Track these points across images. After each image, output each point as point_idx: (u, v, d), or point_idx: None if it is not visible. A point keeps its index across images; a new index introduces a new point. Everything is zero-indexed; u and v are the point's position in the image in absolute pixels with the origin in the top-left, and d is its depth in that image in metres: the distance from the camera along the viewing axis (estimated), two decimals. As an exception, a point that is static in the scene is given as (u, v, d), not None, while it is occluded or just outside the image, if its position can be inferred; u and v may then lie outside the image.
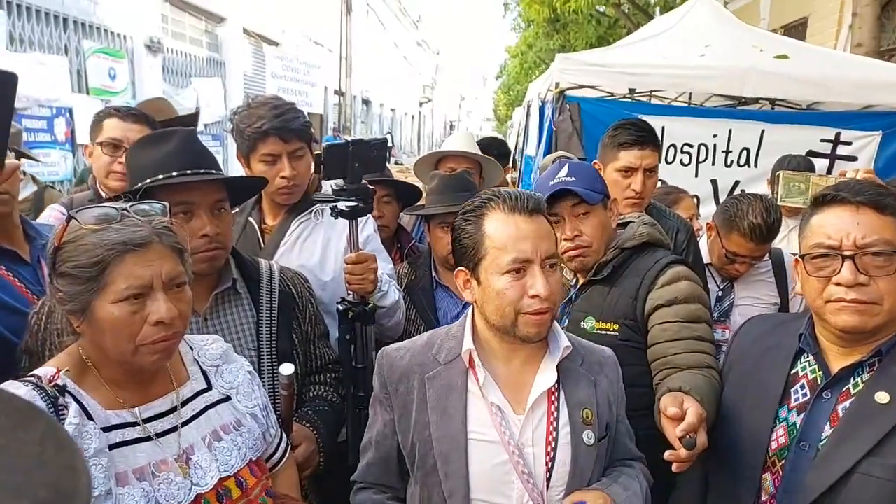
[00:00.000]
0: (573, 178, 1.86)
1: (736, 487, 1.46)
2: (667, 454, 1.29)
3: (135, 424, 1.21)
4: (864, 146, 4.65)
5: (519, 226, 1.31)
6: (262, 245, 2.12)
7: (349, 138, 2.04)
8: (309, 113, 13.94)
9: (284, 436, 1.54)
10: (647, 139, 2.29)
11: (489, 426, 1.34)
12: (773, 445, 1.41)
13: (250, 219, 2.16)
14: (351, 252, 1.91)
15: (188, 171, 1.61)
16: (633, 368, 1.73)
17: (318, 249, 2.10)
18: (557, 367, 1.37)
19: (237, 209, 2.11)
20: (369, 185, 1.89)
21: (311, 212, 2.12)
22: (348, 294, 1.93)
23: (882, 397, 1.27)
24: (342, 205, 1.85)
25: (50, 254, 1.19)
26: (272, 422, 1.48)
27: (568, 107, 5.19)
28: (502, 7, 23.61)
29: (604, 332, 1.83)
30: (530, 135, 6.84)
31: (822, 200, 1.38)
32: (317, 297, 1.95)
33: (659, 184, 3.05)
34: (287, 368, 1.57)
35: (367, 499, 1.49)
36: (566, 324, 1.92)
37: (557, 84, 5.25)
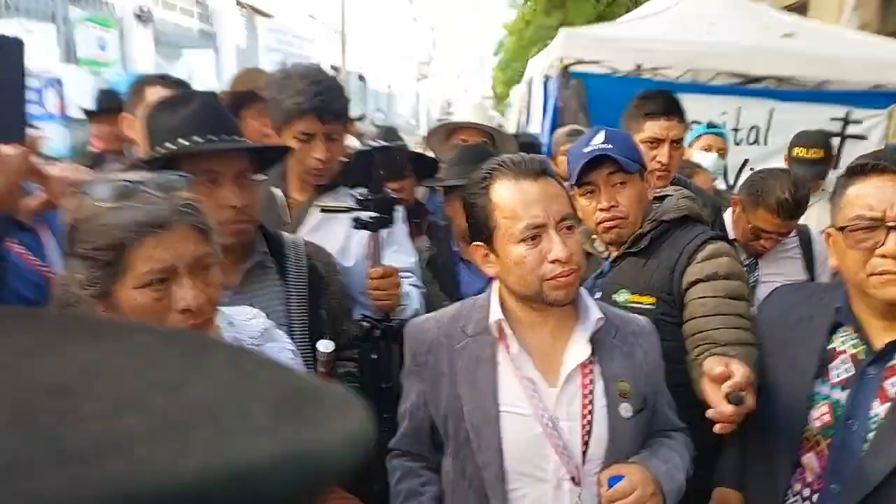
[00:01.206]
0: (610, 146, 1.78)
1: (773, 467, 1.44)
2: (710, 412, 1.26)
3: None
4: (875, 125, 4.64)
5: (526, 190, 1.28)
6: (286, 220, 2.03)
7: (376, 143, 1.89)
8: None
9: None
10: (674, 109, 2.24)
11: (521, 399, 1.31)
12: (817, 424, 1.38)
13: (276, 190, 2.08)
14: (374, 266, 1.80)
15: (213, 138, 1.53)
16: (667, 344, 1.67)
17: (342, 235, 2.00)
18: (590, 338, 1.34)
19: (263, 178, 2.03)
20: (393, 196, 1.80)
21: (337, 192, 2.03)
22: (374, 312, 1.82)
23: None
24: (364, 216, 1.75)
25: (66, 233, 1.10)
26: None
27: (573, 83, 5.12)
28: (499, -18, 23.26)
29: (638, 306, 1.78)
30: (533, 112, 6.76)
31: (861, 170, 1.34)
32: None
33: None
34: (327, 345, 1.54)
35: (400, 465, 1.48)
36: (599, 296, 1.85)
37: (562, 59, 5.17)
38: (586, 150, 1.81)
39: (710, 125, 3.71)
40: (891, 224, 1.27)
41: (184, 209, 1.10)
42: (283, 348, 1.37)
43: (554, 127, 5.15)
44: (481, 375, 1.34)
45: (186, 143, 1.51)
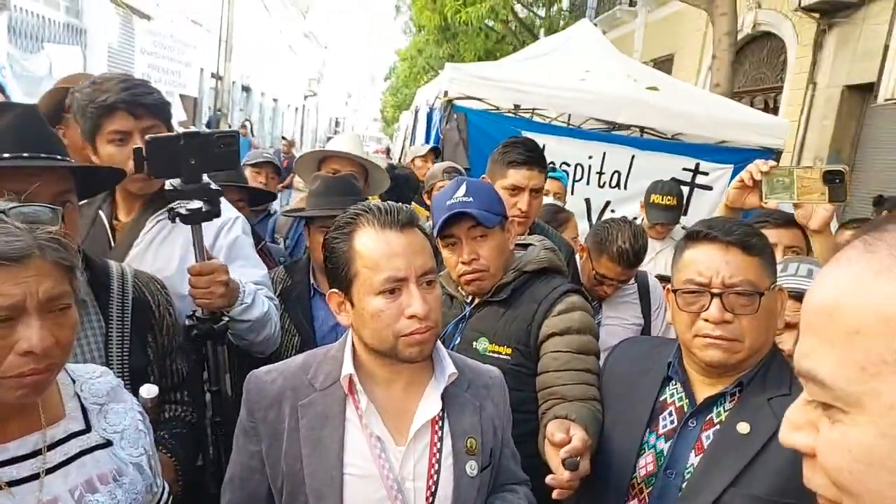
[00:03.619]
0: (470, 199, 1.80)
1: None
2: (548, 478, 1.28)
3: None
4: (719, 178, 5.11)
5: (390, 241, 1.23)
6: (113, 245, 1.86)
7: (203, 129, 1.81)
8: (182, 95, 13.02)
9: (167, 486, 1.35)
10: (536, 160, 2.31)
11: (367, 459, 1.25)
12: (642, 472, 1.44)
13: (100, 213, 1.89)
14: (196, 261, 1.69)
15: (24, 155, 1.37)
16: (519, 394, 1.71)
17: (177, 255, 1.86)
18: (442, 393, 1.31)
19: (84, 201, 1.84)
20: (213, 185, 1.68)
21: (169, 209, 1.90)
22: (197, 309, 1.72)
23: (743, 427, 1.33)
24: (181, 208, 1.62)
25: None
26: (158, 470, 1.30)
27: (455, 116, 5.24)
28: (394, 9, 23.62)
29: (496, 356, 1.80)
30: (417, 140, 6.85)
31: (695, 236, 1.43)
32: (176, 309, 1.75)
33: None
34: (150, 390, 1.42)
35: None
36: (458, 341, 1.87)
37: (446, 92, 5.29)
38: (449, 202, 1.83)
39: (551, 169, 3.96)
40: (715, 291, 1.35)
41: (46, 244, 1.02)
42: (129, 409, 1.25)
43: (436, 156, 5.24)
44: (327, 434, 1.26)
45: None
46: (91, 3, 11.52)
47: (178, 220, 1.65)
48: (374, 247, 1.23)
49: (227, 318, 1.74)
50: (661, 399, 1.50)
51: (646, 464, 1.44)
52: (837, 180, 1.64)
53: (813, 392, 0.57)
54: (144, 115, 1.78)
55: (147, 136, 1.58)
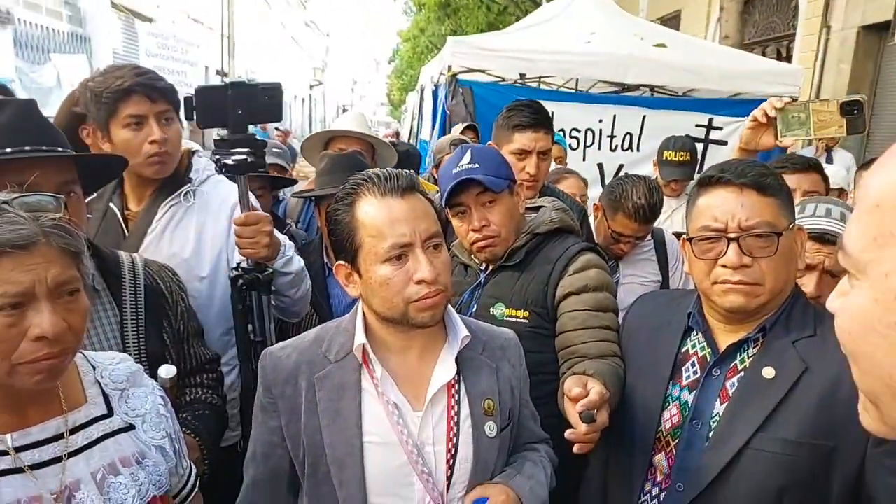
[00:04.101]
0: (476, 165, 1.77)
1: (630, 467, 1.47)
2: (567, 433, 1.27)
3: (4, 454, 1.04)
4: (734, 131, 4.99)
5: (392, 208, 1.22)
6: (126, 234, 1.88)
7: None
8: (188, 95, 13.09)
9: (193, 467, 1.37)
10: (541, 121, 2.26)
11: (386, 426, 1.25)
12: (667, 425, 1.42)
13: (111, 205, 1.91)
14: (242, 212, 1.75)
15: (26, 148, 1.39)
16: (539, 356, 1.70)
17: (192, 237, 1.89)
18: (457, 356, 1.30)
19: (94, 196, 1.86)
20: (258, 136, 1.73)
21: (180, 194, 1.91)
22: (245, 260, 1.78)
23: (768, 372, 1.30)
24: (228, 158, 1.67)
25: None
26: (184, 452, 1.32)
27: (461, 90, 5.19)
28: (393, -10, 23.41)
29: (514, 320, 1.79)
30: (424, 119, 6.80)
31: (708, 181, 1.38)
32: (195, 291, 1.77)
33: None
34: (168, 370, 1.44)
35: None
36: (475, 309, 1.86)
37: (450, 67, 5.22)
38: (454, 171, 1.80)
39: None
40: (732, 235, 1.31)
41: (51, 230, 1.04)
42: (150, 392, 1.27)
43: (443, 133, 5.19)
44: (345, 404, 1.26)
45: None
46: (93, 11, 11.59)
47: (225, 171, 1.71)
48: (377, 214, 1.21)
49: (271, 269, 1.79)
50: (683, 350, 1.47)
51: (670, 416, 1.42)
52: (856, 111, 1.57)
53: (841, 259, 0.61)
54: (159, 98, 1.81)
55: (196, 86, 1.65)
